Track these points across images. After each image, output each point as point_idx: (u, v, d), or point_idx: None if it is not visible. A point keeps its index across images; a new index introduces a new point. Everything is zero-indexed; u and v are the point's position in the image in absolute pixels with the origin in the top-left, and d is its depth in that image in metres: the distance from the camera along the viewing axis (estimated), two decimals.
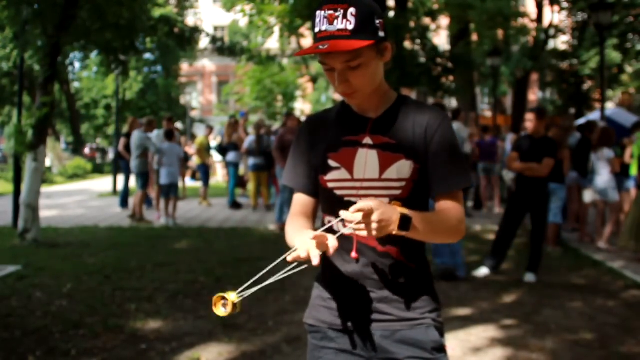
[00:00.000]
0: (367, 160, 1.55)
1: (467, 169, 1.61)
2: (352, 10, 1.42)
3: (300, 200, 1.67)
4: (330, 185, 1.58)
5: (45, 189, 12.80)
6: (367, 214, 1.33)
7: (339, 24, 1.42)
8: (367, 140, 1.56)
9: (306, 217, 1.66)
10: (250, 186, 11.23)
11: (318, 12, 1.45)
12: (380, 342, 1.57)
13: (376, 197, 1.53)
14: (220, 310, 1.42)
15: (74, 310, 4.64)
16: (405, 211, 1.41)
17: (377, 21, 1.47)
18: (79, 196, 14.33)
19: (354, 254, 1.55)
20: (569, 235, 8.24)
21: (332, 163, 1.58)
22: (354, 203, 1.52)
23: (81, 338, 4.00)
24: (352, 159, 1.56)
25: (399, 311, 1.57)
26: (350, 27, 1.42)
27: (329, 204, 1.60)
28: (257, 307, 4.74)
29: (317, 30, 1.45)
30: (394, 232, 1.38)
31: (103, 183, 18.20)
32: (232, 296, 1.44)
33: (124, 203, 11.08)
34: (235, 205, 11.35)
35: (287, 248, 1.61)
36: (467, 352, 3.81)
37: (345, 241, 1.55)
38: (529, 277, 5.72)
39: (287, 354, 3.76)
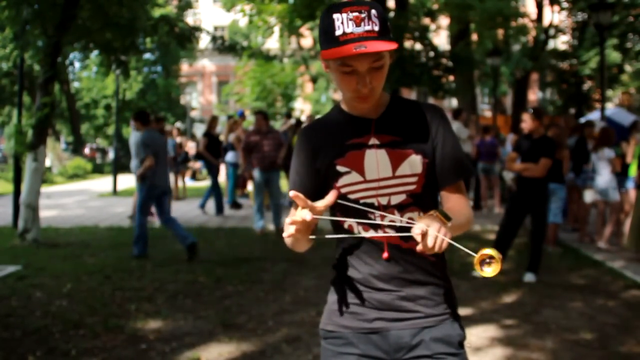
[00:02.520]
0: (378, 160, 1.55)
1: (467, 160, 1.66)
2: (374, 12, 1.44)
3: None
4: (343, 190, 1.57)
5: (45, 189, 12.80)
6: (425, 234, 1.34)
7: (366, 26, 1.42)
8: (373, 140, 1.56)
9: None
10: (251, 186, 11.23)
11: (337, 15, 1.43)
12: (409, 341, 1.56)
13: (392, 194, 1.55)
14: (486, 271, 1.33)
15: (74, 310, 4.64)
16: (434, 211, 1.44)
17: (388, 24, 1.49)
18: (79, 196, 14.33)
19: (385, 255, 1.55)
20: (569, 235, 8.24)
21: (340, 169, 1.57)
22: (370, 204, 1.55)
23: (81, 338, 4.00)
24: (360, 161, 1.56)
25: (425, 308, 1.57)
26: (377, 28, 1.43)
27: (346, 208, 1.57)
28: (257, 307, 4.74)
29: (339, 32, 1.43)
30: (448, 229, 1.38)
31: (103, 183, 18.20)
32: (489, 251, 1.32)
33: (220, 209, 10.44)
34: (235, 205, 11.35)
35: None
36: (467, 352, 3.81)
37: (367, 243, 1.55)
38: (529, 277, 5.73)
39: (287, 354, 3.75)
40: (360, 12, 1.42)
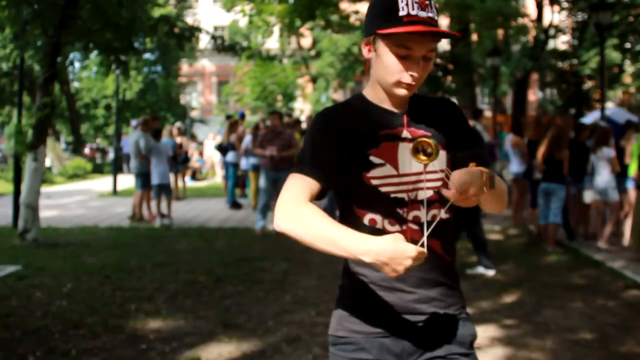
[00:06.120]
0: (410, 155, 1.51)
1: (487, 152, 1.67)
2: (432, 0, 1.46)
3: (309, 185, 1.49)
4: (374, 182, 1.52)
5: (45, 189, 12.81)
6: (465, 190, 1.35)
7: (429, 12, 1.43)
8: (406, 133, 1.54)
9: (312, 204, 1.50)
10: (251, 186, 11.24)
11: None
12: (421, 343, 1.55)
13: (421, 189, 1.53)
14: (422, 157, 1.38)
15: (74, 310, 4.64)
16: (485, 170, 1.43)
17: None
18: (79, 196, 14.33)
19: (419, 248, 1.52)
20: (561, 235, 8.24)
21: (374, 159, 1.52)
22: (401, 199, 1.51)
23: (81, 338, 4.00)
24: (394, 154, 1.52)
25: (438, 309, 1.55)
26: (436, 17, 1.45)
27: (371, 201, 1.52)
28: (257, 307, 4.74)
29: (403, 13, 1.42)
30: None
31: (103, 183, 18.20)
32: (429, 139, 1.39)
33: None
34: (235, 205, 11.35)
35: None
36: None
37: None
38: (479, 270, 5.98)
39: (287, 354, 3.75)
40: None
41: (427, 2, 1.43)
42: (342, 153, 1.52)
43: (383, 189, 1.51)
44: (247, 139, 10.44)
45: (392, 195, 1.51)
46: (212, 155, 19.63)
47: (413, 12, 1.42)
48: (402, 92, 1.51)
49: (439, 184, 1.53)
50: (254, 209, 10.86)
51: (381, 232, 1.52)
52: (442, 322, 1.55)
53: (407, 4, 1.42)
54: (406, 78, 1.47)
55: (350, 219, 1.54)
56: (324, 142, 1.53)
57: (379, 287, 1.54)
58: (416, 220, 1.53)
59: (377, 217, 1.53)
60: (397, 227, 1.51)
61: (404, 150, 1.52)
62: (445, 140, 1.57)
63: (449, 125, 1.60)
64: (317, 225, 1.40)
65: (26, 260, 6.36)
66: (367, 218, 1.54)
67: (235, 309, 4.71)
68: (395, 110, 1.56)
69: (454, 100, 22.02)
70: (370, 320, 1.55)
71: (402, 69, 1.47)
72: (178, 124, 24.55)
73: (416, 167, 1.51)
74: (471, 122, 10.83)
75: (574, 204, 8.16)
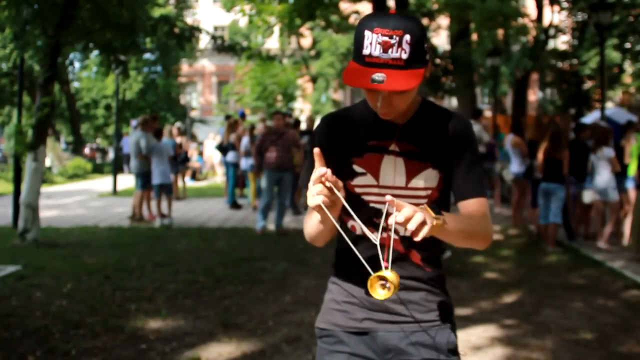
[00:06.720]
0: (394, 168, 1.54)
1: (483, 179, 1.64)
2: (407, 37, 1.36)
3: None
4: (357, 190, 1.56)
5: (45, 189, 12.80)
6: (408, 219, 1.31)
7: (394, 53, 1.35)
8: (394, 147, 1.54)
9: None
10: (250, 186, 11.25)
11: (368, 33, 1.37)
12: (397, 344, 1.56)
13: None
14: (380, 293, 1.33)
15: (74, 310, 4.64)
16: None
17: (425, 45, 1.43)
18: (79, 196, 14.33)
19: (384, 264, 1.48)
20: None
21: (357, 168, 1.56)
22: (379, 210, 1.53)
23: (81, 338, 4.01)
24: (377, 165, 1.54)
25: (416, 313, 1.57)
26: (405, 56, 1.36)
27: (355, 208, 1.51)
28: (257, 307, 4.74)
29: (366, 52, 1.37)
30: (434, 223, 1.34)
31: (103, 183, 18.20)
32: (389, 274, 1.31)
33: None
34: (235, 205, 11.35)
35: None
36: (467, 352, 3.81)
37: (367, 245, 1.51)
38: (448, 254, 6.20)
39: (287, 354, 3.76)
40: (390, 38, 1.35)
41: (392, 42, 1.35)
42: (334, 160, 1.55)
43: (364, 198, 1.55)
44: (245, 140, 10.45)
45: (372, 205, 1.55)
46: (212, 155, 19.63)
47: (374, 53, 1.36)
48: (384, 117, 1.51)
49: (422, 201, 1.53)
50: (254, 209, 10.87)
51: (362, 238, 1.55)
52: (418, 326, 1.56)
53: (371, 43, 1.37)
54: (381, 110, 1.47)
55: (340, 222, 1.61)
56: (323, 150, 1.57)
57: (358, 285, 1.58)
58: (396, 232, 1.55)
59: (356, 225, 1.57)
60: (376, 235, 1.50)
61: (389, 162, 1.54)
62: (441, 159, 1.55)
63: (451, 146, 1.56)
64: (309, 218, 1.58)
65: (26, 260, 6.36)
66: (350, 224, 1.60)
67: (235, 309, 4.71)
68: (393, 121, 1.55)
69: (454, 101, 21.95)
70: (347, 315, 1.60)
71: (373, 101, 1.48)
72: (178, 124, 24.57)
73: (398, 182, 1.54)
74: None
75: (574, 204, 8.16)
